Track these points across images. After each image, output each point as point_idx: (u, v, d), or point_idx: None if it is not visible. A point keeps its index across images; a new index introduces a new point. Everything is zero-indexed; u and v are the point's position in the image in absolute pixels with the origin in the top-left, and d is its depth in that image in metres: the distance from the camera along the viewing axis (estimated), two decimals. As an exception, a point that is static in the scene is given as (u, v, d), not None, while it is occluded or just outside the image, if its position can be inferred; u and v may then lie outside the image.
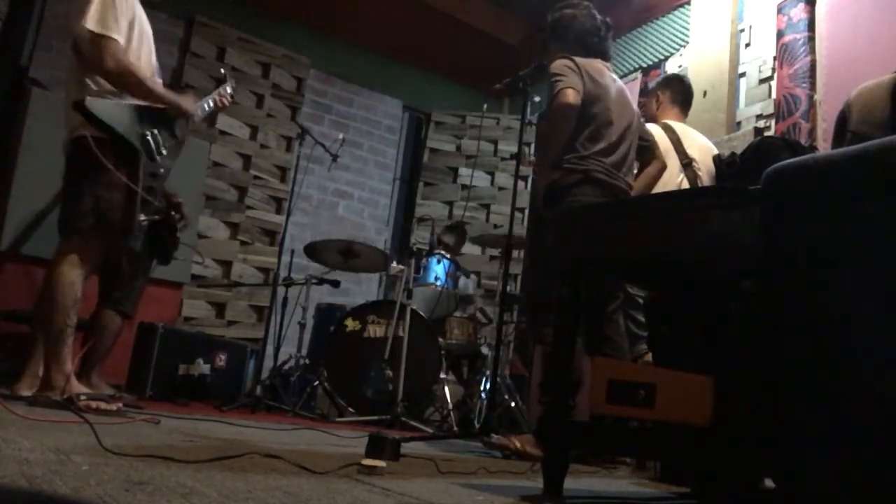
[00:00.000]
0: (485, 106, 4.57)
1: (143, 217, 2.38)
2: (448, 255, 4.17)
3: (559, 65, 2.53)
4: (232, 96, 2.96)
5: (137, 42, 2.51)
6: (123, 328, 2.86)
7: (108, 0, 2.37)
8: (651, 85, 3.60)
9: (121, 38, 2.38)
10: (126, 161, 2.35)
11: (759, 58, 3.76)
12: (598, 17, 2.75)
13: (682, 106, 3.27)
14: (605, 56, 2.73)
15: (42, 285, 2.43)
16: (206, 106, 2.78)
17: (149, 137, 2.43)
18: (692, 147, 3.06)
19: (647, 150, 2.76)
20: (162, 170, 2.53)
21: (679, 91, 3.28)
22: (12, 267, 3.61)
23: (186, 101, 2.60)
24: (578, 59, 2.56)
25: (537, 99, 3.83)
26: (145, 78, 2.46)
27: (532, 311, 2.76)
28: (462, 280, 4.29)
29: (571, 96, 2.45)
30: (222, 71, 3.08)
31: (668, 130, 3.07)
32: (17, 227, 3.61)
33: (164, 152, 2.51)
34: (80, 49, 2.43)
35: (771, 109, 3.58)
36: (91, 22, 2.33)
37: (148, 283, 3.06)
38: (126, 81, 2.40)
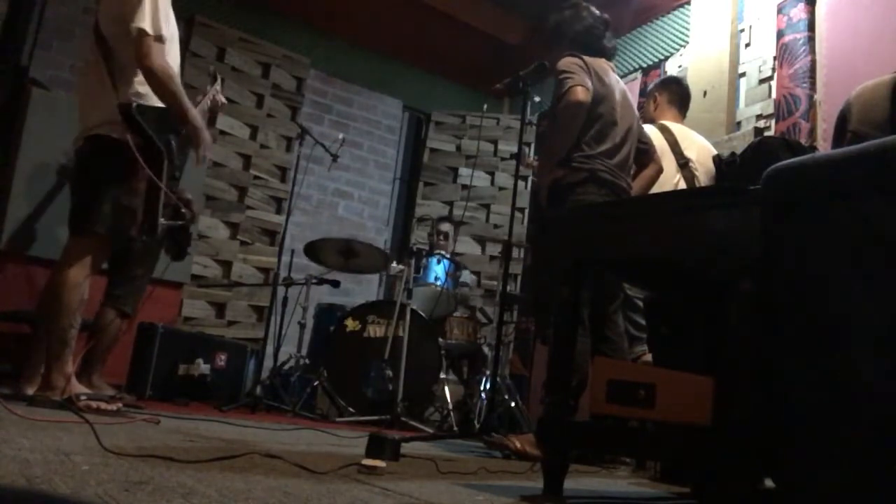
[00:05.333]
0: (485, 106, 4.57)
1: (163, 221, 2.38)
2: (445, 252, 4.18)
3: (568, 62, 2.52)
4: (223, 95, 2.95)
5: (169, 44, 2.51)
6: (124, 328, 2.86)
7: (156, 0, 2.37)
8: (651, 86, 3.61)
9: (162, 31, 2.37)
10: (151, 164, 2.35)
11: (759, 58, 3.76)
12: (597, 14, 2.74)
13: (679, 107, 3.28)
14: (608, 55, 2.74)
15: (48, 284, 2.41)
16: (206, 103, 2.78)
17: (172, 142, 2.43)
18: (690, 147, 3.06)
19: (645, 153, 2.77)
20: (178, 173, 2.53)
21: (676, 92, 3.29)
22: (12, 267, 3.60)
23: (203, 124, 2.58)
24: (586, 58, 2.55)
25: (537, 99, 3.83)
26: (181, 87, 2.44)
27: (535, 311, 2.77)
28: (462, 273, 4.31)
29: (581, 94, 2.44)
30: (211, 68, 3.08)
31: (665, 131, 3.08)
32: (17, 226, 3.61)
33: (179, 159, 2.51)
34: (106, 43, 2.40)
35: (771, 109, 3.58)
36: (144, 21, 2.31)
37: (148, 283, 3.06)
38: (164, 85, 2.37)
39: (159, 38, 2.35)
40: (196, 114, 2.51)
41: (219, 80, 2.94)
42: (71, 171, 2.53)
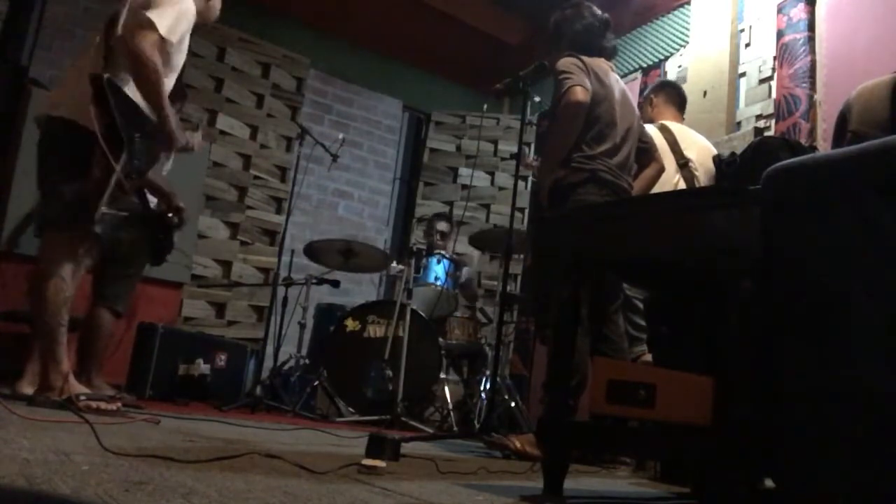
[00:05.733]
0: (485, 106, 4.57)
1: (105, 209, 2.30)
2: (444, 252, 4.18)
3: (567, 62, 2.52)
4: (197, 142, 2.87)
5: (176, 60, 2.51)
6: (114, 327, 2.85)
7: (181, 13, 2.38)
8: (645, 90, 3.60)
9: (172, 39, 2.37)
10: (110, 152, 2.31)
11: (759, 58, 3.76)
12: (598, 14, 2.74)
13: (677, 107, 3.29)
14: (608, 55, 2.73)
15: (30, 285, 2.39)
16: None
17: (136, 139, 2.39)
18: (690, 147, 3.06)
19: (646, 152, 2.77)
20: (134, 175, 2.47)
21: (672, 93, 3.30)
22: (12, 267, 3.60)
23: (180, 133, 2.51)
24: (585, 58, 2.55)
25: (537, 99, 3.84)
26: (163, 81, 2.40)
27: (536, 311, 2.77)
28: (464, 270, 4.31)
29: (581, 94, 2.44)
30: (202, 124, 3.03)
31: (665, 131, 3.08)
32: (17, 226, 3.60)
33: (140, 160, 2.45)
34: (111, 41, 2.38)
35: (771, 109, 3.58)
36: (159, 18, 2.31)
37: (148, 284, 3.06)
38: (147, 73, 2.33)
39: (164, 41, 2.33)
40: (173, 114, 2.44)
41: (201, 129, 2.91)
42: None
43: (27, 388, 2.36)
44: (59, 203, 2.30)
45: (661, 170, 2.81)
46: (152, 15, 2.30)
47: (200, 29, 4.91)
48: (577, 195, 2.47)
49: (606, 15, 2.77)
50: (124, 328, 3.19)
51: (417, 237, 5.44)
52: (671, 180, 2.97)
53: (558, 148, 2.53)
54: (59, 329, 2.28)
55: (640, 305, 2.90)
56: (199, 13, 2.55)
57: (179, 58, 2.54)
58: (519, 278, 5.33)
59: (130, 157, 2.33)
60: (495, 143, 5.81)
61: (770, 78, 3.66)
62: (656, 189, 2.83)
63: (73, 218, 2.30)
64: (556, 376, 1.58)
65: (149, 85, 2.36)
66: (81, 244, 2.40)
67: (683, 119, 3.29)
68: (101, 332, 2.72)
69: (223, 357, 3.78)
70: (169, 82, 2.50)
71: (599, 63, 2.63)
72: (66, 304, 2.32)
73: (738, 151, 1.69)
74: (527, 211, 5.52)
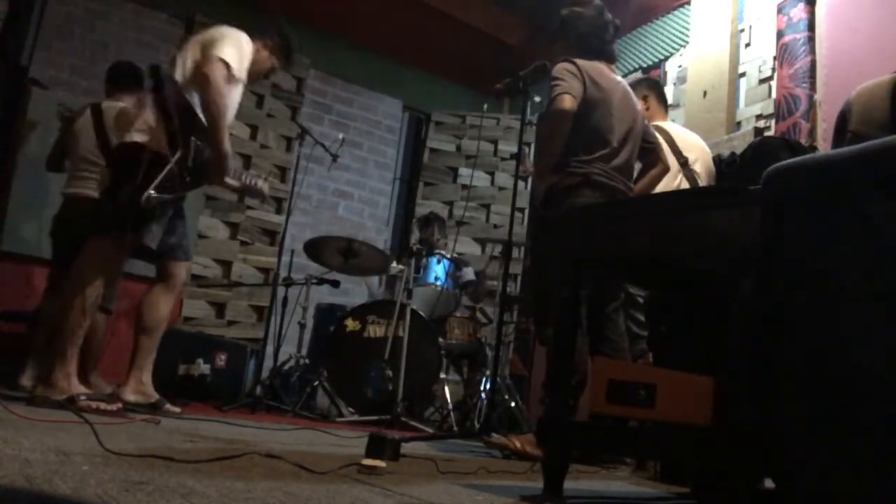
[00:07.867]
0: (485, 106, 4.56)
1: (154, 193, 2.33)
2: (443, 248, 4.17)
3: (560, 68, 2.52)
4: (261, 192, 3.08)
5: (234, 97, 2.60)
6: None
7: (243, 53, 2.56)
8: (635, 85, 3.56)
9: (238, 74, 2.50)
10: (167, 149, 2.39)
11: (759, 58, 3.76)
12: (608, 17, 2.71)
13: (665, 108, 3.33)
14: (608, 58, 2.71)
15: (69, 283, 2.40)
16: (245, 179, 2.87)
17: (194, 141, 2.43)
18: (689, 148, 3.06)
19: (651, 152, 2.76)
20: (188, 178, 2.50)
21: (661, 95, 3.34)
22: (11, 267, 3.61)
23: (231, 160, 2.61)
24: (580, 62, 2.54)
25: (537, 99, 3.83)
26: (226, 107, 2.49)
27: (536, 312, 2.77)
28: (463, 269, 4.29)
29: (568, 102, 2.44)
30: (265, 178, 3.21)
31: (662, 132, 3.07)
32: (17, 227, 3.61)
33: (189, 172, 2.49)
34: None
35: (771, 109, 3.58)
36: (228, 56, 2.45)
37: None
38: (214, 95, 2.41)
39: (231, 75, 2.44)
40: (227, 140, 2.50)
41: (264, 182, 3.05)
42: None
43: (27, 381, 2.37)
44: (117, 212, 2.34)
45: (666, 170, 2.79)
46: (218, 51, 2.42)
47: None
48: (571, 198, 2.47)
49: (618, 21, 2.75)
50: (124, 328, 3.18)
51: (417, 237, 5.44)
52: (673, 180, 2.97)
53: (546, 154, 2.54)
54: (78, 332, 2.31)
55: (643, 302, 2.90)
56: (252, 62, 2.68)
57: (236, 97, 2.62)
58: (519, 278, 5.33)
59: (185, 159, 2.37)
60: (495, 143, 5.82)
61: (770, 78, 3.66)
62: (658, 189, 2.83)
63: (119, 224, 2.34)
64: (556, 376, 1.58)
65: (214, 107, 2.43)
66: (122, 253, 2.42)
67: (666, 119, 3.34)
68: (96, 333, 2.73)
69: (223, 357, 3.78)
70: (228, 117, 2.56)
71: (596, 66, 2.60)
72: (93, 310, 2.34)
73: (738, 151, 1.69)
74: (527, 211, 5.52)
